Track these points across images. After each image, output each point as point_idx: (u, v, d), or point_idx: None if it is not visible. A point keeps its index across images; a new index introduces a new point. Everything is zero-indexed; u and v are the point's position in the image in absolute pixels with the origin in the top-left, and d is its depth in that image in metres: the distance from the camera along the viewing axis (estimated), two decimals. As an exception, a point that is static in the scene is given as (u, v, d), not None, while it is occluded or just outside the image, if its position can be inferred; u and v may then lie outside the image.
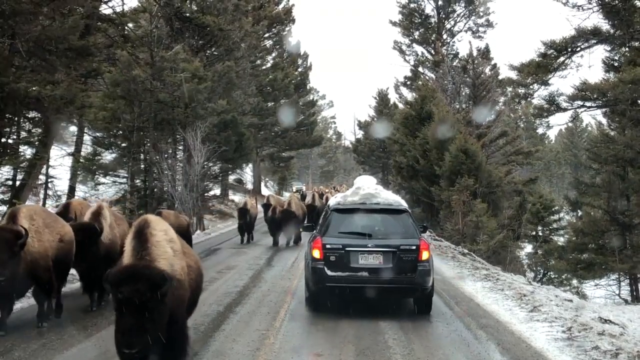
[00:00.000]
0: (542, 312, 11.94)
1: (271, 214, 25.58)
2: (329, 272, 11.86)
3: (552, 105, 26.40)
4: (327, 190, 53.54)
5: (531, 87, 27.09)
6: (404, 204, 13.27)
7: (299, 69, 73.26)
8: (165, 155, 34.18)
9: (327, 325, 11.05)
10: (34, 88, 20.64)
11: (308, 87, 78.27)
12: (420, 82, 54.33)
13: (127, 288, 5.96)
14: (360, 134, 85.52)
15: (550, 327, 10.86)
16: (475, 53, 46.81)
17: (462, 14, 66.12)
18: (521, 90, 28.21)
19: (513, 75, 28.55)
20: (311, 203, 31.67)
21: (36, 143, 25.88)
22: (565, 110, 26.93)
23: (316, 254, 12.06)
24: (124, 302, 5.96)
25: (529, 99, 29.01)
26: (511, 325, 11.27)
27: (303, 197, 53.42)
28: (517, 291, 14.26)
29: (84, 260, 11.21)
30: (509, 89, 39.15)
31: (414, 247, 11.95)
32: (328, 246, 12.00)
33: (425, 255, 12.02)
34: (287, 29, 66.06)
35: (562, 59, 25.57)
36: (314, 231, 13.46)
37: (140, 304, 5.93)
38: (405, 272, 11.81)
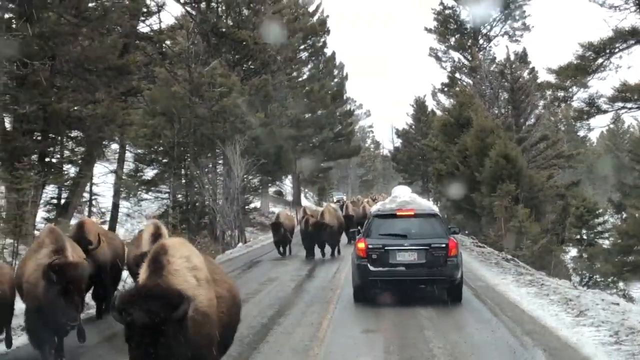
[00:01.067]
0: (589, 317, 11.77)
1: (304, 226, 24.82)
2: (372, 268, 13.98)
3: (592, 108, 26.05)
4: (365, 200, 53.31)
5: (570, 89, 26.75)
6: (435, 209, 16.02)
7: (335, 79, 73.21)
8: (206, 170, 34.48)
9: (370, 336, 11.04)
10: (75, 108, 21.06)
11: (345, 97, 78.03)
12: (457, 89, 53.95)
13: (137, 310, 5.02)
14: (398, 142, 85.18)
15: (597, 332, 10.69)
16: (512, 57, 46.32)
17: (498, 18, 65.53)
18: (560, 94, 27.88)
19: (551, 78, 28.28)
20: (347, 214, 30.79)
21: (79, 162, 26.31)
22: (605, 112, 26.57)
23: (361, 253, 14.22)
24: (134, 329, 4.99)
25: (568, 102, 28.66)
26: (557, 330, 11.13)
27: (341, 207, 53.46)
28: (563, 296, 14.06)
29: None
30: (548, 93, 38.77)
31: (443, 245, 14.00)
32: (370, 246, 14.12)
33: (453, 251, 14.02)
34: (322, 40, 66.10)
35: (600, 60, 25.20)
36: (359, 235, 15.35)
37: (153, 329, 4.95)
38: (436, 266, 13.87)
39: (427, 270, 13.92)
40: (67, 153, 26.47)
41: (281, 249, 26.04)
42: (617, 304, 13.46)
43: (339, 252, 25.40)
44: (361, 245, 14.33)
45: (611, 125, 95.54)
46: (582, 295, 14.32)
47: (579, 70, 25.49)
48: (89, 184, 30.43)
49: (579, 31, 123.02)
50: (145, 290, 5.37)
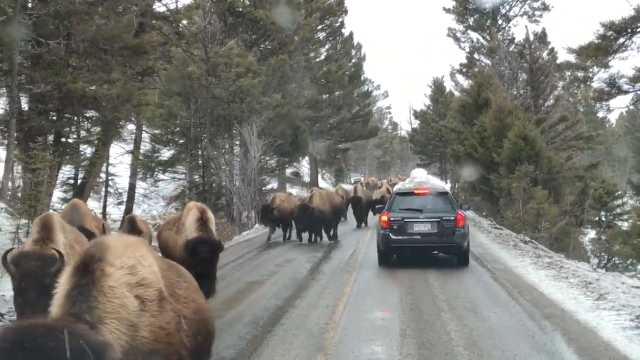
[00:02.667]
0: (609, 300, 11.53)
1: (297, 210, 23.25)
2: (393, 237, 16.77)
3: (613, 88, 25.58)
4: (379, 182, 52.93)
5: (591, 70, 26.27)
6: (446, 188, 19.81)
7: (353, 60, 72.73)
8: (223, 151, 34.40)
9: (386, 319, 10.90)
10: (91, 88, 20.95)
11: (362, 78, 77.52)
12: (476, 69, 53.53)
13: None
14: (416, 123, 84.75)
15: (618, 316, 10.47)
16: (531, 37, 45.81)
17: (518, -3, 64.80)
18: (580, 74, 27.40)
19: (571, 58, 27.77)
20: (355, 195, 30.18)
21: (95, 142, 26.29)
22: (626, 92, 26.09)
23: (384, 224, 16.98)
24: None
25: (588, 83, 28.15)
26: (577, 314, 10.91)
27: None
28: (582, 279, 13.81)
29: None
30: (568, 73, 38.26)
31: (452, 218, 16.70)
32: (392, 219, 16.88)
33: (461, 223, 16.67)
34: (339, 20, 65.65)
35: (621, 40, 24.71)
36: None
37: None
38: (446, 235, 16.64)
39: (439, 239, 16.75)
40: (83, 133, 26.47)
41: (272, 234, 24.38)
42: (638, 288, 13.24)
43: (335, 237, 23.89)
44: (384, 218, 17.06)
45: (631, 107, 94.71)
46: (602, 278, 14.08)
47: (600, 50, 25.00)
48: (105, 165, 30.49)
49: (599, 11, 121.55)
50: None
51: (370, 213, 30.44)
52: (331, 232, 24.03)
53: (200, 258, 9.16)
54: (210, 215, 10.13)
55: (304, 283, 14.46)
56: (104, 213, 30.65)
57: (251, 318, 10.85)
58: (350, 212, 30.25)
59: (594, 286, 12.82)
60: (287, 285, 14.19)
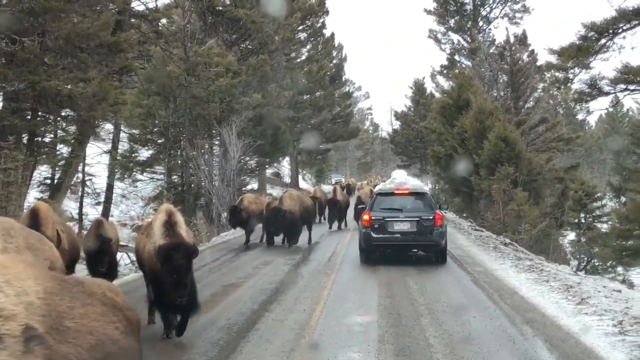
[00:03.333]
0: (591, 305, 11.35)
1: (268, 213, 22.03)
2: (374, 235, 17.32)
3: (594, 90, 25.49)
4: (359, 184, 52.97)
5: (572, 71, 26.16)
6: (425, 188, 20.19)
7: (334, 61, 72.66)
8: (202, 151, 34.05)
9: (364, 324, 10.64)
10: (66, 86, 20.52)
11: (343, 79, 77.64)
12: (457, 71, 53.61)
13: None
14: (397, 124, 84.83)
15: (600, 321, 10.27)
16: (512, 39, 45.90)
17: (498, 0, 65.04)
18: (561, 75, 27.28)
19: (552, 59, 27.64)
20: (333, 197, 29.55)
21: (72, 141, 25.86)
22: (607, 94, 25.98)
23: (366, 223, 17.53)
24: None
25: (569, 84, 28.04)
26: (558, 319, 10.69)
27: (342, 188, 52.97)
28: (563, 282, 13.62)
29: None
30: (548, 75, 38.25)
31: (431, 217, 17.21)
32: (373, 218, 17.42)
33: (439, 222, 17.19)
34: (320, 20, 65.53)
35: (603, 41, 24.57)
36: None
37: None
38: (425, 233, 17.16)
39: (418, 237, 17.29)
40: (60, 133, 26.03)
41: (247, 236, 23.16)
42: (619, 291, 13.10)
43: (295, 240, 22.20)
44: (366, 217, 17.65)
45: (610, 109, 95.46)
46: (583, 281, 13.92)
47: (582, 50, 24.87)
48: (82, 165, 30.06)
49: (579, 14, 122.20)
50: None
51: (349, 215, 30.00)
52: (296, 237, 22.35)
53: (174, 265, 8.65)
54: (178, 218, 9.34)
55: (281, 286, 14.15)
56: (80, 214, 30.30)
57: (225, 323, 10.55)
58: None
59: (575, 290, 12.65)
60: (263, 288, 13.88)
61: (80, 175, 30.98)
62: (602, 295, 12.20)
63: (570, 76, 26.83)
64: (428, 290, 13.35)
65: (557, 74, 28.34)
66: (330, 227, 29.08)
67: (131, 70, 26.57)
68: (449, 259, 18.26)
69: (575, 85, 28.51)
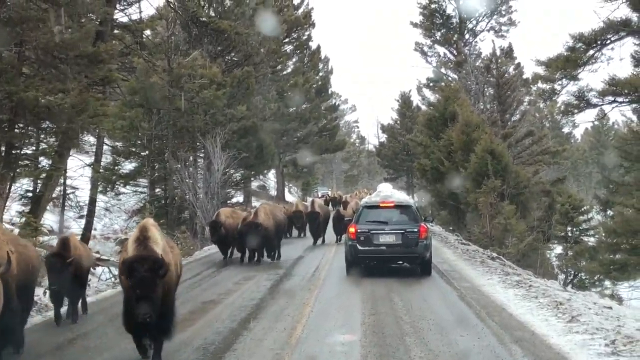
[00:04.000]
0: (582, 323, 10.95)
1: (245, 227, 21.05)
2: (360, 247, 17.43)
3: (582, 102, 25.19)
4: (345, 197, 52.70)
5: (559, 82, 25.81)
6: (410, 201, 20.17)
7: (320, 74, 72.45)
8: (187, 164, 33.62)
9: (347, 344, 10.20)
10: (48, 97, 20.02)
11: (330, 92, 77.44)
12: (443, 83, 53.47)
13: None
14: (383, 137, 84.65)
15: (592, 340, 9.86)
16: (498, 52, 45.83)
17: (484, 13, 64.96)
18: (549, 87, 26.91)
19: (540, 70, 27.29)
20: (312, 210, 28.85)
21: (52, 154, 25.36)
22: (595, 106, 25.66)
23: (352, 236, 17.63)
24: None
25: (556, 96, 27.68)
26: (548, 338, 10.26)
27: (327, 202, 52.63)
28: (552, 299, 13.20)
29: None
30: (534, 88, 38.05)
31: (415, 230, 17.37)
32: (359, 230, 17.54)
33: (423, 235, 17.33)
34: (307, 33, 65.37)
35: (591, 52, 24.30)
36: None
37: None
38: (410, 246, 17.26)
39: (403, 249, 17.39)
40: (43, 145, 25.52)
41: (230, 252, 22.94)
42: (610, 308, 12.75)
43: (278, 256, 22.03)
44: (352, 229, 17.76)
45: (596, 122, 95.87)
46: (573, 298, 13.52)
47: (570, 62, 24.55)
48: (63, 178, 29.51)
49: (566, 28, 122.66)
50: None
51: (330, 230, 29.17)
52: (273, 252, 22.04)
53: (137, 278, 8.11)
54: (151, 233, 8.80)
55: (261, 303, 13.69)
56: (60, 228, 29.69)
57: (202, 343, 10.09)
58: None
59: (565, 307, 12.24)
60: (243, 305, 13.42)
61: (60, 188, 30.40)
62: (592, 313, 11.82)
63: (558, 88, 26.52)
64: (413, 307, 12.91)
65: (544, 85, 27.96)
66: (314, 242, 28.34)
67: (112, 82, 25.96)
68: (435, 273, 18.04)
69: (563, 97, 28.26)
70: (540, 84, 28.47)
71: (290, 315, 12.27)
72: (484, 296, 14.49)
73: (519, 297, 14.00)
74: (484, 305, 13.23)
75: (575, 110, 26.16)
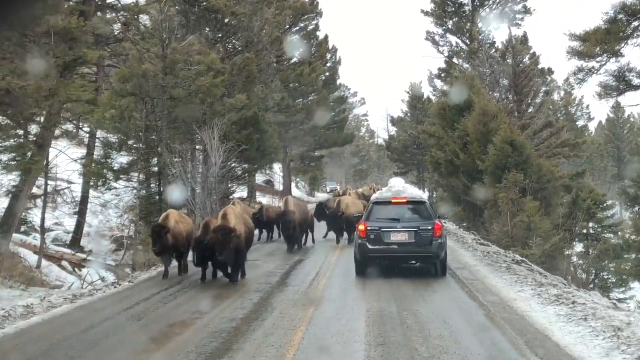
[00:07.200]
0: (655, 360, 8.26)
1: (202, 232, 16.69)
2: (370, 247, 16.53)
3: (622, 83, 22.53)
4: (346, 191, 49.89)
5: (599, 59, 22.94)
6: (424, 197, 18.93)
7: (328, 64, 70.11)
8: (182, 157, 31.45)
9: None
10: (9, 79, 17.59)
11: (338, 83, 75.29)
12: (457, 70, 51.36)
13: None
14: (393, 130, 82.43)
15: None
16: (513, 41, 43.67)
17: (498, 0, 62.69)
18: (586, 64, 23.90)
19: (575, 45, 24.17)
20: (286, 209, 23.83)
21: (30, 146, 23.18)
22: (637, 88, 23.01)
23: (361, 234, 16.73)
24: None
25: (594, 74, 24.71)
26: (615, 384, 7.61)
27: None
28: (607, 322, 10.34)
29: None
30: (568, 73, 35.57)
31: (430, 228, 16.43)
32: (369, 228, 16.66)
33: (438, 233, 16.39)
34: (314, 22, 63.26)
35: (636, 23, 21.59)
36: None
37: None
38: (424, 245, 16.36)
39: (416, 249, 16.48)
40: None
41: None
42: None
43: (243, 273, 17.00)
44: (362, 227, 16.82)
45: (611, 115, 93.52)
46: (634, 321, 10.65)
47: (611, 35, 21.72)
48: (44, 172, 27.50)
49: (581, 18, 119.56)
50: None
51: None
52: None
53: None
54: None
55: (243, 326, 10.94)
56: (42, 226, 27.49)
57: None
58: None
59: (627, 335, 9.42)
60: (220, 329, 10.70)
61: (53, 183, 28.75)
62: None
63: (597, 66, 23.63)
64: (432, 335, 10.10)
65: (581, 63, 24.64)
66: (289, 249, 23.61)
67: (87, 63, 23.44)
68: (454, 283, 15.86)
69: (600, 78, 25.16)
70: (576, 61, 24.89)
71: (275, 345, 9.55)
72: (517, 316, 11.62)
73: (562, 319, 11.15)
74: (520, 331, 10.40)
75: (615, 93, 23.54)
